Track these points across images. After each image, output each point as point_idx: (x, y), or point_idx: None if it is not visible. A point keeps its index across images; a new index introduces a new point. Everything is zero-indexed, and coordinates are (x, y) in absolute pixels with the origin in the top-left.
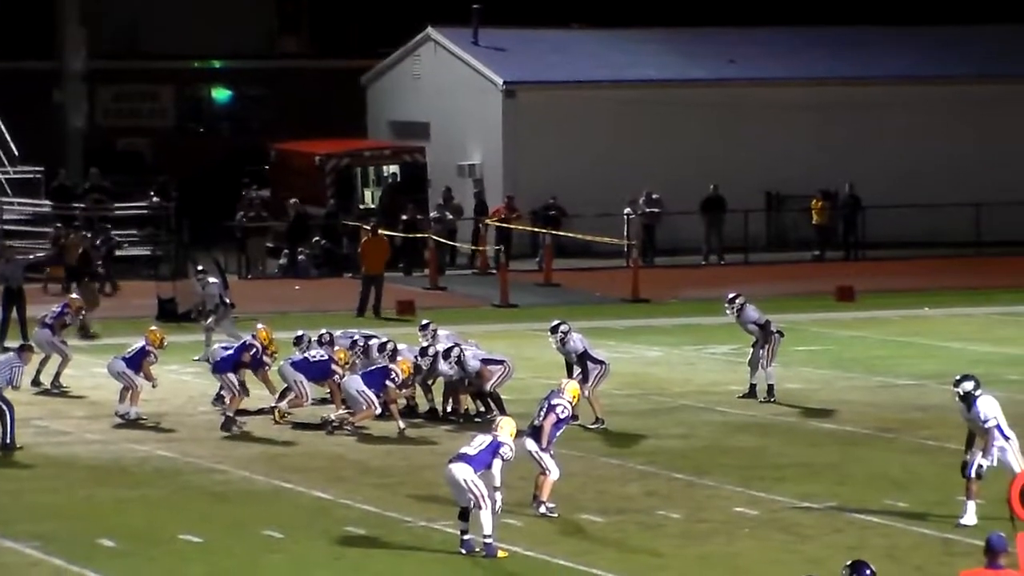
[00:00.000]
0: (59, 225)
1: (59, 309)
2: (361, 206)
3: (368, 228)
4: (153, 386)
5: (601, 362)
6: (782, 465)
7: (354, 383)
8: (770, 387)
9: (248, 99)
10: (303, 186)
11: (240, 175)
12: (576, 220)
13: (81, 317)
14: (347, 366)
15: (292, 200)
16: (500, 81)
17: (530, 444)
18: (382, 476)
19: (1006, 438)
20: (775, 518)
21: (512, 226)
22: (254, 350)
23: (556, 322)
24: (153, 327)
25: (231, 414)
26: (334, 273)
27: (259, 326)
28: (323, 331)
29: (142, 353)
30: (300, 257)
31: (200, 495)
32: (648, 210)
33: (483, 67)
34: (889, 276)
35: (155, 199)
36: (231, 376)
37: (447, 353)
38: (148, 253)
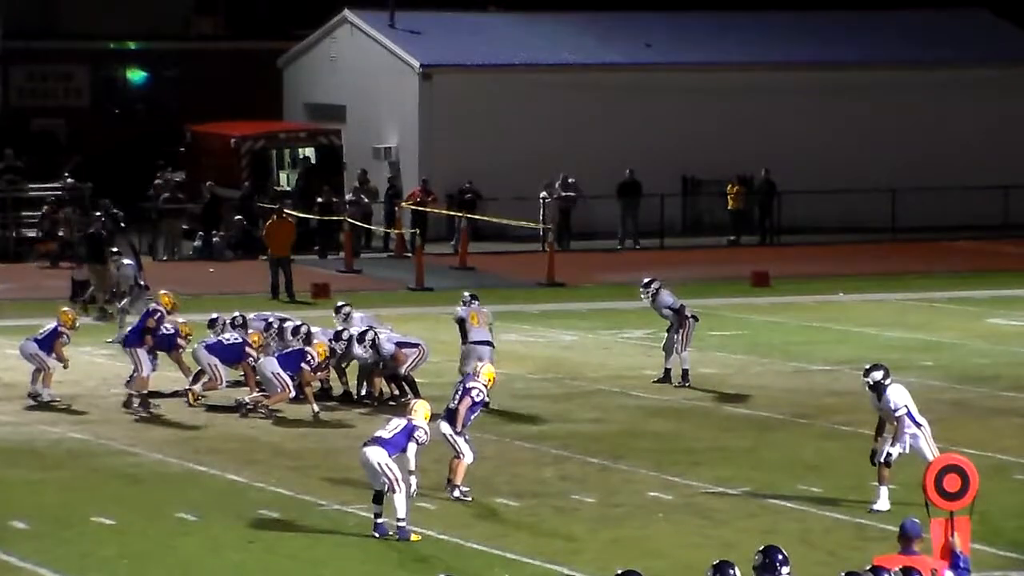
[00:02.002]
0: (53, 200)
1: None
2: (277, 188)
3: (274, 210)
4: (65, 367)
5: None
6: (697, 450)
7: (269, 365)
8: (685, 372)
9: (164, 80)
10: (218, 168)
11: (155, 156)
12: (492, 204)
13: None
14: (261, 348)
15: (207, 182)
16: (416, 64)
17: (444, 427)
18: (296, 459)
19: (918, 425)
20: (689, 503)
21: (428, 209)
22: (158, 314)
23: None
24: (65, 308)
25: (135, 392)
26: (249, 255)
27: (162, 291)
28: (236, 313)
29: (54, 334)
30: (215, 239)
31: (113, 477)
32: (564, 194)
33: (399, 50)
34: (804, 261)
35: (69, 180)
36: (140, 351)
37: (361, 336)
38: (62, 234)
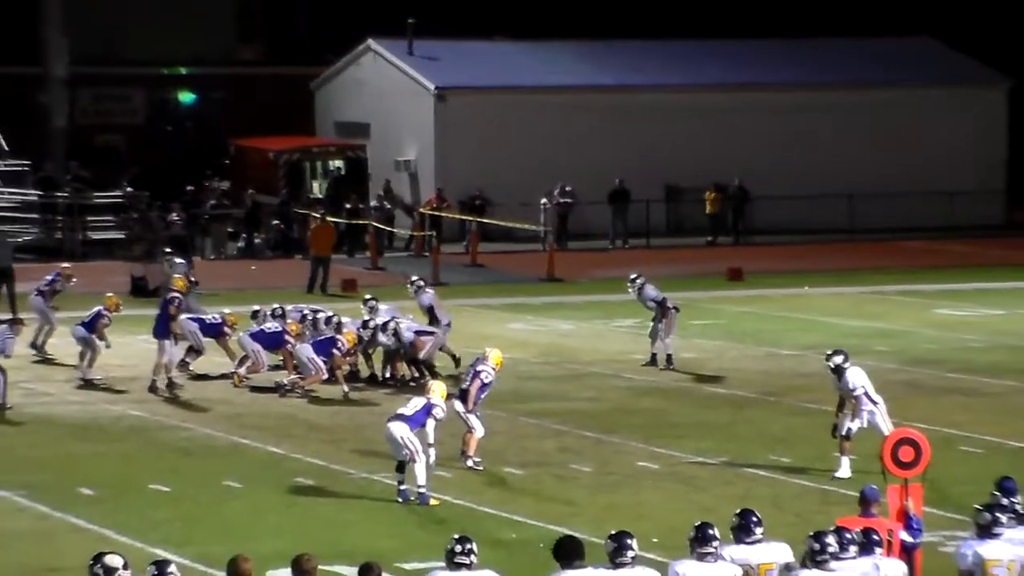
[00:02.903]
0: (144, 205)
1: (51, 277)
2: (310, 196)
3: (318, 215)
4: (107, 347)
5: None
6: (680, 424)
7: (305, 351)
8: (669, 356)
9: (210, 101)
10: (259, 178)
11: (203, 168)
12: (499, 209)
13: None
14: (298, 336)
15: (249, 190)
16: (432, 86)
17: (458, 405)
18: (328, 433)
19: (874, 403)
20: (674, 471)
21: (443, 214)
22: (176, 300)
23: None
24: (110, 294)
25: (155, 376)
26: (286, 255)
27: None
28: (276, 305)
29: (97, 316)
30: (256, 241)
31: (168, 450)
32: (562, 200)
33: (417, 74)
34: (773, 259)
35: (128, 188)
36: (166, 343)
37: (385, 326)
38: (123, 236)
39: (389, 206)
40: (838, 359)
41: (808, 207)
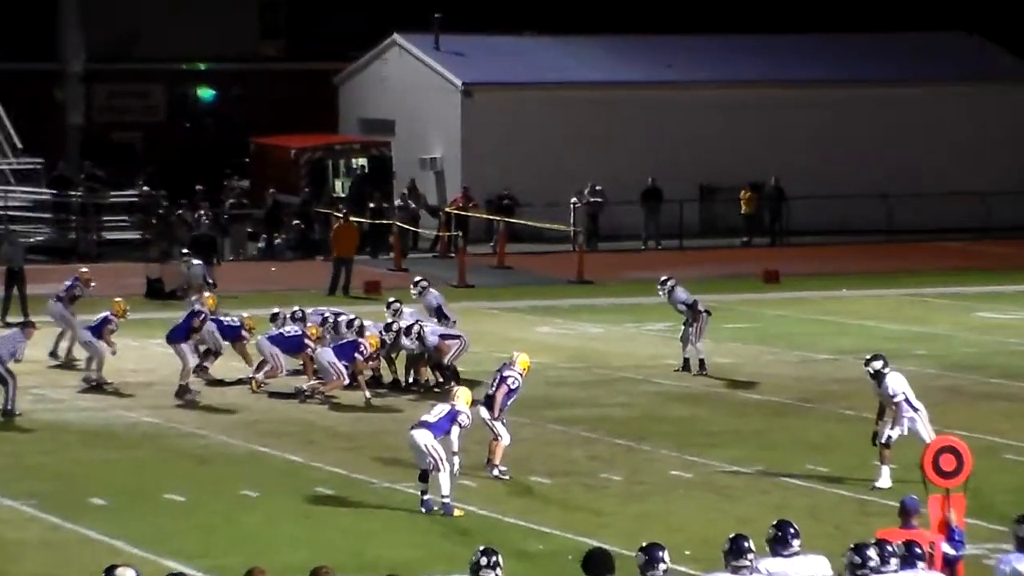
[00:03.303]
0: (167, 204)
1: (69, 282)
2: (332, 195)
3: (340, 216)
4: (113, 353)
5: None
6: (713, 432)
7: (326, 355)
8: (701, 361)
9: (230, 98)
10: (280, 177)
11: (223, 166)
12: (527, 209)
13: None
14: (318, 340)
15: (270, 190)
16: (459, 82)
17: (484, 412)
18: (349, 441)
19: (915, 409)
20: (707, 480)
21: (469, 214)
22: (202, 315)
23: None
24: (118, 299)
25: (184, 383)
26: (307, 256)
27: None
28: (296, 308)
29: (104, 321)
30: (277, 241)
31: (183, 457)
32: (592, 200)
33: (444, 69)
34: (810, 261)
35: (145, 188)
36: (184, 346)
37: (408, 329)
38: (138, 237)
39: (414, 206)
40: (877, 364)
41: (845, 207)
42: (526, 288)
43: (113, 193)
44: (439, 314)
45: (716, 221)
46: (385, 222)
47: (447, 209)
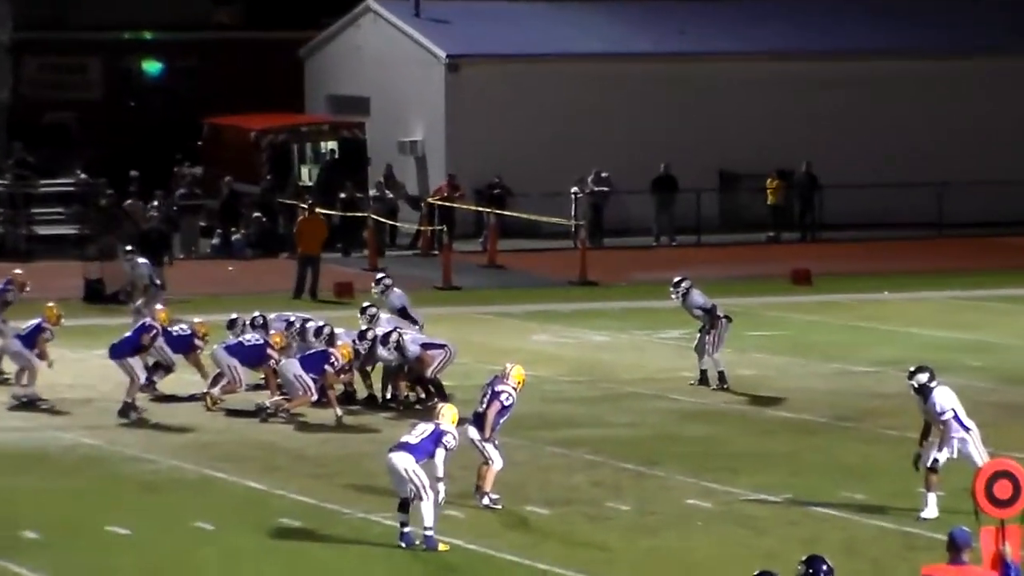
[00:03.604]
0: (110, 192)
1: (1, 286)
2: (298, 184)
3: (305, 207)
4: (49, 366)
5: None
6: (735, 455)
7: (291, 367)
8: (721, 374)
9: (180, 72)
10: (237, 163)
11: (172, 151)
12: (522, 199)
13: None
14: (283, 350)
15: (226, 177)
16: (443, 54)
17: (473, 432)
18: (318, 465)
19: (966, 429)
20: (728, 510)
21: (455, 205)
22: (154, 331)
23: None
24: (51, 303)
25: (130, 400)
26: (269, 253)
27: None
28: (256, 314)
29: (37, 330)
30: (234, 237)
31: (128, 485)
32: (596, 189)
33: (425, 39)
34: (847, 258)
35: (82, 175)
36: (133, 360)
37: (386, 338)
38: (75, 232)
39: (391, 196)
40: (923, 377)
41: (889, 197)
42: (521, 291)
43: (45, 181)
44: (403, 316)
45: (738, 213)
46: (358, 215)
47: (429, 200)
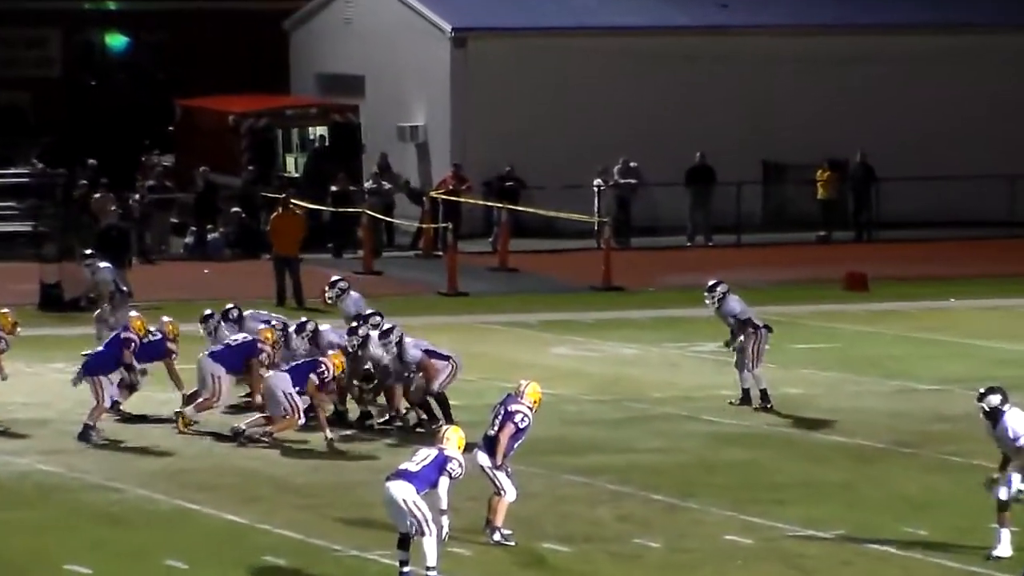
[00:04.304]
0: (83, 183)
1: None
2: (282, 175)
3: (279, 199)
4: (3, 378)
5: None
6: (781, 485)
7: (282, 382)
8: (763, 392)
9: (149, 46)
10: (214, 151)
11: (139, 137)
12: (537, 193)
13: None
14: (275, 347)
15: (201, 168)
16: (448, 27)
17: (483, 459)
18: (306, 496)
19: None
20: (773, 547)
21: (461, 199)
22: (132, 344)
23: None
24: (5, 309)
25: (91, 422)
26: (250, 254)
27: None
28: (230, 305)
29: None
30: (210, 235)
31: (90, 517)
32: (623, 181)
33: (427, 10)
34: (907, 261)
35: (39, 165)
36: (103, 380)
37: (385, 334)
38: (30, 229)
39: (389, 187)
40: (994, 399)
41: (955, 192)
42: (536, 297)
43: None
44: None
45: (784, 209)
46: (351, 210)
47: (432, 193)
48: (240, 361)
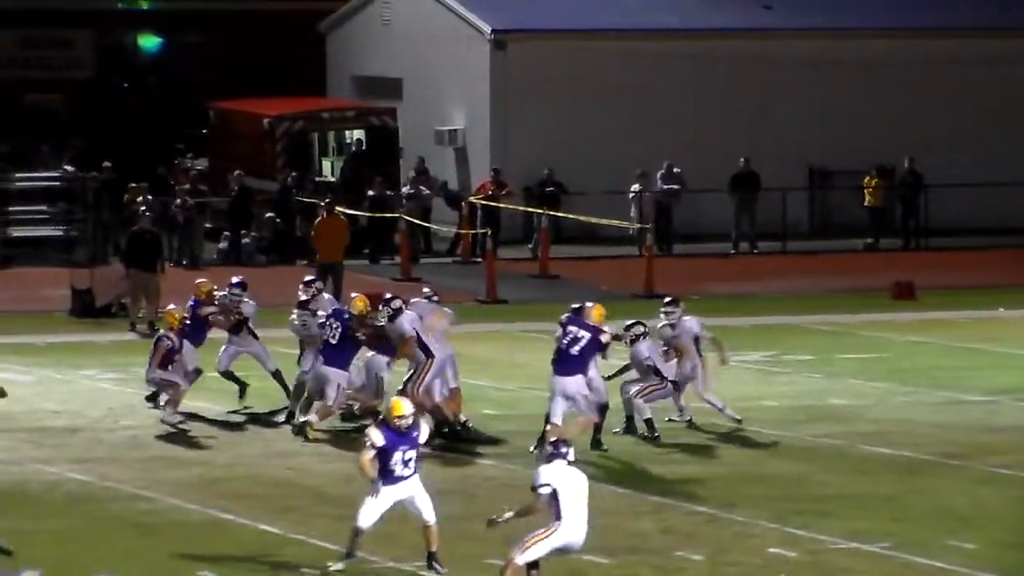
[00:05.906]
0: (134, 186)
1: None
2: (318, 179)
3: (323, 205)
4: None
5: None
6: (826, 497)
7: (381, 365)
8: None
9: (182, 48)
10: (248, 155)
11: (172, 140)
12: (578, 199)
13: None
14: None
15: (235, 172)
16: (487, 29)
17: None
18: (341, 506)
19: None
20: (817, 561)
21: (501, 205)
22: (171, 344)
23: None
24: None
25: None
26: (285, 260)
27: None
28: (236, 280)
29: None
30: (244, 241)
31: (121, 527)
32: (665, 187)
33: (467, 12)
34: (957, 270)
35: (69, 168)
36: (159, 372)
37: (388, 301)
38: (60, 234)
39: (427, 192)
40: None
41: (1004, 199)
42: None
43: (22, 176)
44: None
45: (831, 216)
46: (388, 215)
47: (471, 198)
48: (346, 356)
